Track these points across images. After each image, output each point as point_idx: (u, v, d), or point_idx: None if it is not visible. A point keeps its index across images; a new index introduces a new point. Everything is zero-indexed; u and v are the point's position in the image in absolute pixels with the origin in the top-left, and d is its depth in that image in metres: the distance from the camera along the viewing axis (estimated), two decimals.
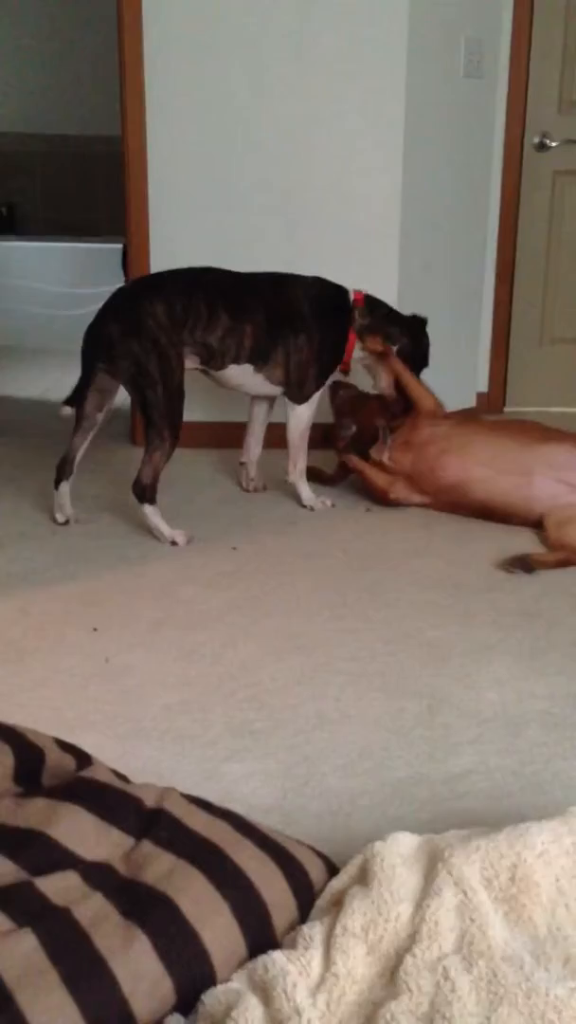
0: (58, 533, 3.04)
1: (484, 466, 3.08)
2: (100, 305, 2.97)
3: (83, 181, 6.91)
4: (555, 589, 2.64)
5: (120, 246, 5.31)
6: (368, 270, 3.90)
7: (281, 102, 3.78)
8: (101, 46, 6.16)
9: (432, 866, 1.31)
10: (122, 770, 1.57)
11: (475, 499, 3.11)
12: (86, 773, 1.42)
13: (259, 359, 3.08)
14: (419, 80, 3.79)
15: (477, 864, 1.29)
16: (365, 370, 3.38)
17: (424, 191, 3.95)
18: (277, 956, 1.18)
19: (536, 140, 4.31)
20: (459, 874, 1.27)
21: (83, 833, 1.26)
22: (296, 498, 3.32)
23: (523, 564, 2.74)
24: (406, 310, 3.79)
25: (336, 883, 1.33)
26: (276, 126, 3.81)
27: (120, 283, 4.84)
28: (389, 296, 3.94)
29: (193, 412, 3.67)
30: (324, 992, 1.14)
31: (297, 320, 3.11)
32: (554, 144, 4.30)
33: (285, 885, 1.27)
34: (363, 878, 1.31)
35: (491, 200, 4.33)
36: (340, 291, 3.24)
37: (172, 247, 3.90)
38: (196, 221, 3.90)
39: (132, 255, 3.98)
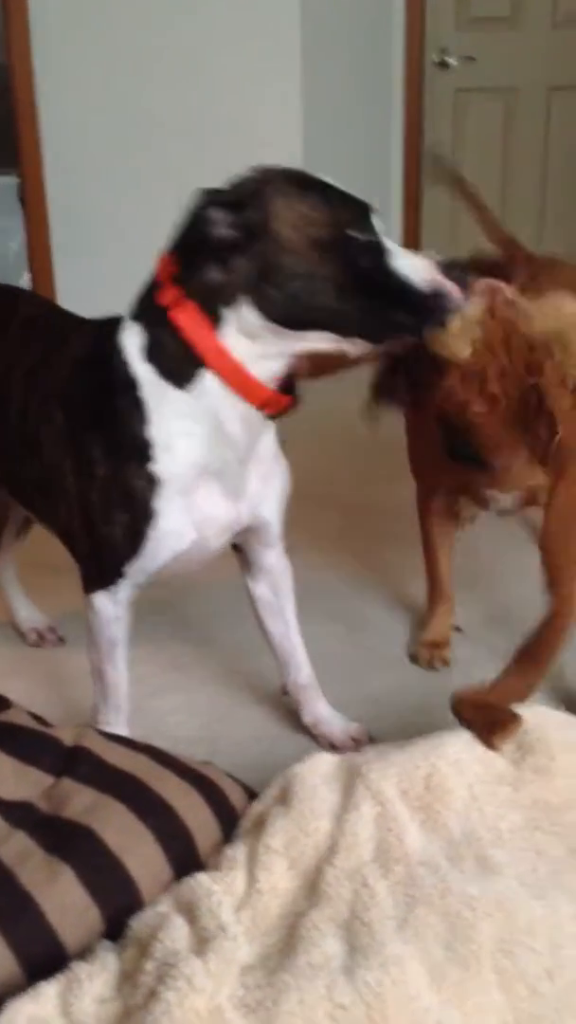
0: None
1: None
2: None
3: None
4: None
5: (15, 180, 5.15)
6: None
7: (174, 25, 3.68)
8: None
9: (351, 782, 1.34)
10: (48, 714, 1.57)
11: None
12: (2, 718, 1.42)
13: None
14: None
15: (394, 777, 1.33)
16: None
17: (325, 114, 3.90)
18: (202, 877, 1.21)
19: (436, 58, 4.27)
20: (377, 787, 1.31)
21: (1, 775, 1.27)
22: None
23: None
24: None
25: (258, 806, 1.36)
26: (171, 50, 3.71)
27: (17, 217, 4.67)
28: None
29: None
30: (249, 908, 1.17)
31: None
32: (454, 62, 4.27)
33: (207, 811, 1.30)
34: (284, 799, 1.34)
35: (394, 121, 4.30)
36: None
37: (71, 179, 3.80)
38: (94, 149, 3.80)
39: (28, 189, 3.86)
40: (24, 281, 4.13)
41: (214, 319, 1.27)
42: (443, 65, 4.26)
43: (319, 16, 3.76)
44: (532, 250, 1.97)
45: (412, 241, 4.48)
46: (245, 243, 1.22)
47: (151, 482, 1.35)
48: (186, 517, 1.39)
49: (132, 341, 1.34)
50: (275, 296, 1.23)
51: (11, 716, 1.43)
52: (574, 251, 4.63)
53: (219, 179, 4.25)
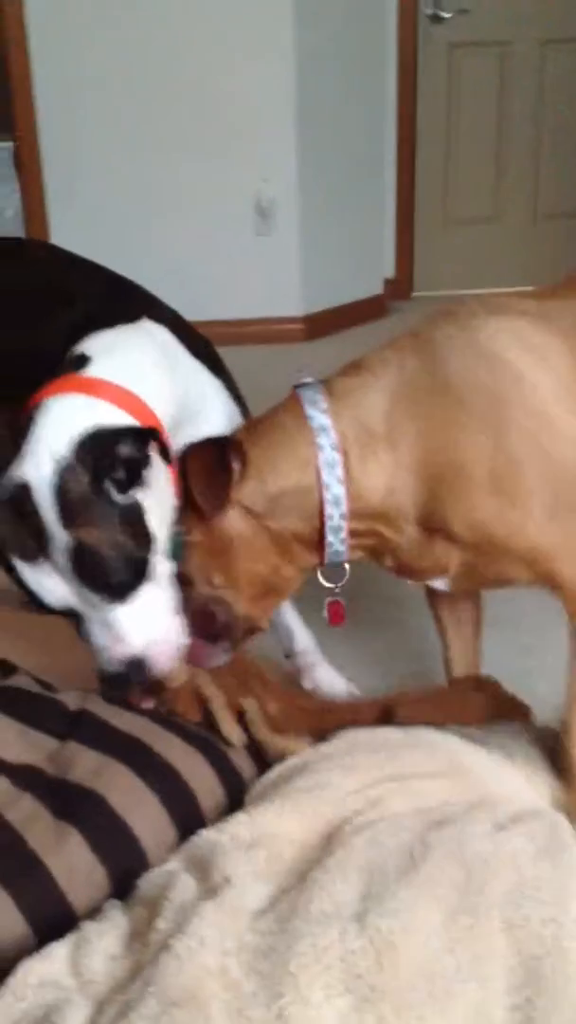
0: None
1: None
2: None
3: None
4: None
5: (10, 145, 5.10)
6: (266, 156, 3.80)
7: None
8: None
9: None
10: (54, 679, 1.57)
11: None
12: (7, 682, 1.43)
13: None
14: None
15: None
16: None
17: (319, 70, 3.84)
18: (208, 833, 1.22)
19: (429, 11, 4.20)
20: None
21: (6, 739, 1.27)
22: None
23: None
24: (307, 197, 3.66)
25: (272, 774, 1.37)
26: (165, 9, 3.65)
27: (12, 183, 4.64)
28: (288, 185, 3.84)
29: None
30: (262, 848, 1.17)
31: None
32: (447, 15, 4.20)
33: (211, 773, 1.30)
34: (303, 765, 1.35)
35: (388, 77, 4.24)
36: None
37: (68, 142, 3.75)
38: (89, 114, 3.75)
39: (23, 153, 3.82)
40: None
41: None
42: (436, 19, 4.19)
43: None
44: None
45: (407, 200, 4.43)
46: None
47: None
48: None
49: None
50: None
51: (16, 681, 1.44)
52: (569, 205, 4.58)
53: (214, 137, 4.11)
